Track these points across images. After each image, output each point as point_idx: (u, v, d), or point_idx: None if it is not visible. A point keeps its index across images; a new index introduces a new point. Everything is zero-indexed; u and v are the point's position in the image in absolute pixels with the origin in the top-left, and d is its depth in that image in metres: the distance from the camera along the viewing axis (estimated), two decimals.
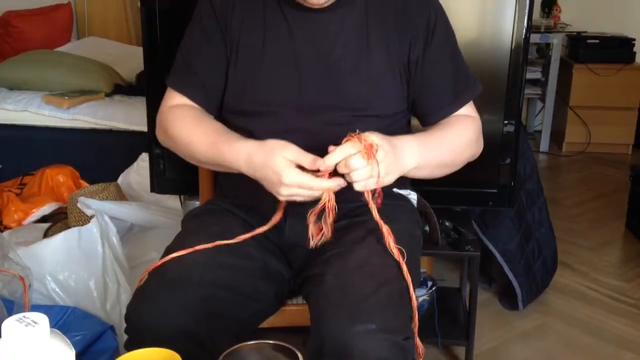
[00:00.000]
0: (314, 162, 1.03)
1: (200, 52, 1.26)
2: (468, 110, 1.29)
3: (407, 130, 1.31)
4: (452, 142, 1.23)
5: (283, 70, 1.22)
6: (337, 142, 1.05)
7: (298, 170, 1.04)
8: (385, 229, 1.09)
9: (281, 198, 1.08)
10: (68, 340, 0.73)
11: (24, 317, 0.70)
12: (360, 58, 1.21)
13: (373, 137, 1.03)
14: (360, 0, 1.22)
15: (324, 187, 1.04)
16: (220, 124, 1.24)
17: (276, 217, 1.13)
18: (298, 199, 1.07)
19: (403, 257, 1.09)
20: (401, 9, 1.23)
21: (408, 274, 1.08)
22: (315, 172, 1.05)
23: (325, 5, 1.17)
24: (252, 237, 1.18)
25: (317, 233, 1.14)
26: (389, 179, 1.07)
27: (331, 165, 1.03)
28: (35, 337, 0.68)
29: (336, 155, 1.03)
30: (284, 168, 1.03)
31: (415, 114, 1.33)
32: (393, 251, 1.08)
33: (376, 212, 1.08)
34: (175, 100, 1.28)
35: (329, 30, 1.21)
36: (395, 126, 1.26)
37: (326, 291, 1.07)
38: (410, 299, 1.08)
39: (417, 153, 1.14)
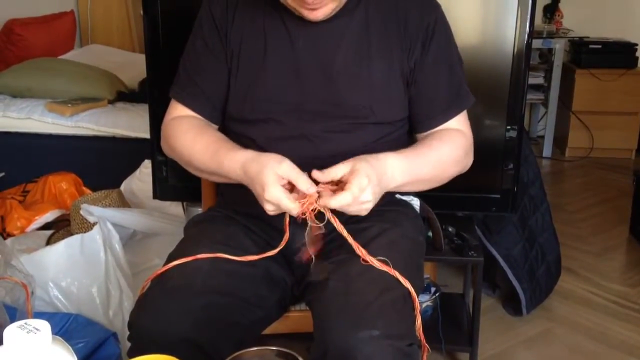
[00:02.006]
0: (305, 185, 1.03)
1: (202, 63, 1.26)
2: (460, 124, 1.28)
3: (408, 137, 1.31)
4: (437, 160, 1.21)
5: (284, 79, 1.22)
6: (338, 149, 1.05)
7: (281, 189, 1.03)
8: (358, 248, 1.09)
9: (269, 212, 1.07)
10: (70, 347, 0.73)
11: (25, 324, 0.69)
12: (362, 66, 1.21)
13: (362, 166, 1.04)
14: (361, 8, 1.22)
15: (296, 213, 1.04)
16: (221, 134, 1.24)
17: (285, 237, 1.12)
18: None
19: (388, 266, 1.08)
20: (402, 16, 1.22)
21: (405, 280, 1.08)
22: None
23: (325, 19, 1.17)
24: (254, 244, 1.17)
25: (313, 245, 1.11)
26: (371, 205, 1.07)
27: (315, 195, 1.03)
28: (37, 344, 0.68)
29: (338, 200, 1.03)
30: (270, 183, 1.03)
31: None
32: (374, 262, 1.08)
33: (346, 233, 1.08)
34: (178, 112, 1.28)
35: (330, 39, 1.21)
36: (397, 133, 1.26)
37: (329, 297, 1.07)
38: (413, 304, 1.08)
39: (401, 173, 1.13)
